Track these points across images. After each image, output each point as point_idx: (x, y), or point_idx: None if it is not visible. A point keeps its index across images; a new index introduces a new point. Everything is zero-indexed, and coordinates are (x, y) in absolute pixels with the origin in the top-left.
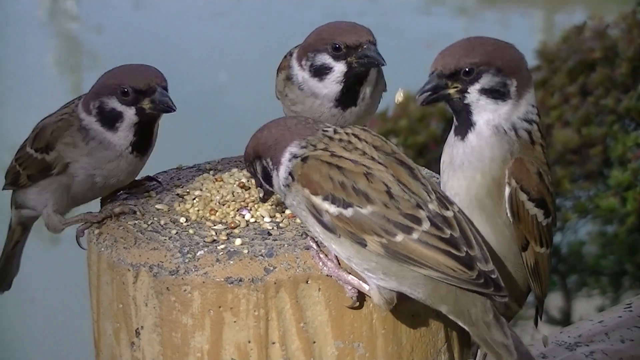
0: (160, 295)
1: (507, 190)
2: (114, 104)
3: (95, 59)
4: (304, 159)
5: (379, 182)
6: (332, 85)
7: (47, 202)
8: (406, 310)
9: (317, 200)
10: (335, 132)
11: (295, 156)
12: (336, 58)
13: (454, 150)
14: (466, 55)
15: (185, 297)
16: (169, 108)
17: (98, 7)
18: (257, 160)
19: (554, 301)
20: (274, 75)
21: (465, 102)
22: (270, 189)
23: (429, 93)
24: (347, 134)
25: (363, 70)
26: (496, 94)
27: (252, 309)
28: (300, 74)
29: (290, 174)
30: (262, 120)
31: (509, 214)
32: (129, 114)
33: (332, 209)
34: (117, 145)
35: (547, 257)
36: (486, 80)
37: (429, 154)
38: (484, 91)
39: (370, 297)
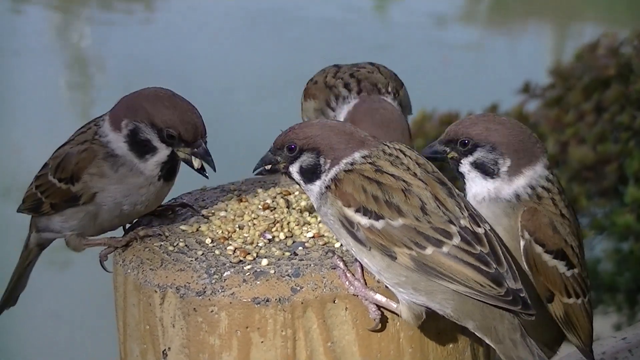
0: (188, 316)
1: (522, 243)
2: (151, 136)
3: (106, 77)
4: (348, 171)
5: (415, 198)
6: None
7: (73, 228)
8: (433, 328)
9: (350, 212)
10: (387, 146)
11: (352, 163)
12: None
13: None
14: (468, 127)
15: (213, 318)
16: (204, 171)
17: (109, 26)
18: (311, 152)
19: None
20: (290, 93)
21: (459, 170)
22: (300, 182)
23: (430, 152)
24: (395, 149)
25: None
26: (486, 169)
27: (280, 329)
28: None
29: (332, 179)
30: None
31: (525, 266)
32: (163, 153)
33: (364, 220)
34: (146, 172)
35: (581, 306)
36: (478, 155)
37: (445, 173)
38: (475, 165)
39: (399, 313)
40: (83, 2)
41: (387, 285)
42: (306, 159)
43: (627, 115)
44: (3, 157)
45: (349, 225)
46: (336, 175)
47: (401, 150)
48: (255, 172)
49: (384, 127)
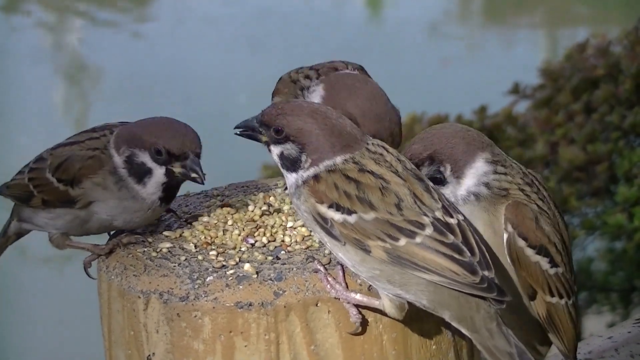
0: (171, 321)
1: (505, 236)
2: (145, 158)
3: (101, 84)
4: (329, 171)
5: (391, 195)
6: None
7: (57, 227)
8: (417, 329)
9: (323, 208)
10: (372, 144)
11: (333, 166)
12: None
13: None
14: (411, 146)
15: (196, 323)
16: (196, 179)
17: (104, 32)
18: (298, 137)
19: None
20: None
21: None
22: (277, 163)
23: None
24: (379, 145)
25: None
26: (436, 180)
27: (263, 333)
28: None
29: (310, 177)
30: None
31: (508, 260)
32: (159, 173)
33: (337, 216)
34: (147, 199)
35: (565, 308)
36: (425, 171)
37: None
38: (430, 179)
39: (382, 308)
40: (77, 9)
41: (364, 279)
42: (289, 149)
43: (616, 115)
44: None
45: (323, 222)
46: (315, 174)
47: (384, 147)
48: (237, 132)
49: (376, 122)
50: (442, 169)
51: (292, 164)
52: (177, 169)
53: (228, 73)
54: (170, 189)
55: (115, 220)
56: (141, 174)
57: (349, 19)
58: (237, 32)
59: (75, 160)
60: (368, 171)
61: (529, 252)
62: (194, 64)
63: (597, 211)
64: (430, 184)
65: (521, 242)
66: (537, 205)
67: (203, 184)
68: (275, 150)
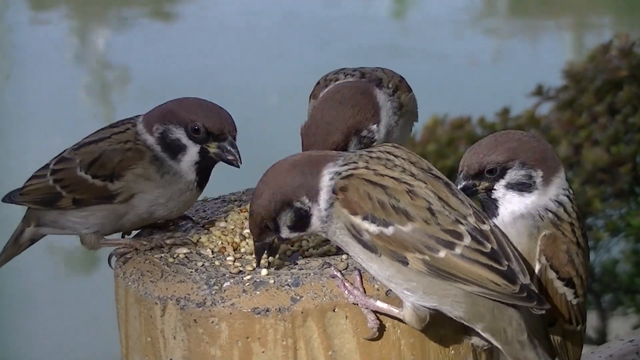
0: (188, 327)
1: (537, 267)
2: (180, 135)
3: (128, 87)
4: (347, 177)
5: (421, 199)
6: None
7: (91, 226)
8: (435, 334)
9: (357, 220)
10: (370, 151)
11: (337, 173)
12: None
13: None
14: (488, 154)
15: (213, 329)
16: (232, 161)
17: (131, 34)
18: (285, 209)
19: (590, 321)
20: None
21: (493, 197)
22: (300, 234)
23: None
24: (381, 152)
25: None
26: (522, 186)
27: (280, 339)
28: None
29: (333, 191)
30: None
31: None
32: (193, 151)
33: (372, 227)
34: (184, 177)
35: (578, 334)
36: (511, 176)
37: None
38: (510, 186)
39: (401, 318)
40: (102, 12)
41: (396, 292)
42: (285, 217)
43: None
44: (23, 166)
45: (357, 233)
46: (335, 185)
47: (388, 152)
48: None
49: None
50: (534, 173)
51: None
52: (212, 149)
53: (254, 76)
54: (204, 171)
55: (157, 211)
56: (175, 150)
57: (374, 20)
58: (263, 35)
59: (114, 154)
60: (387, 176)
61: (558, 284)
62: (220, 65)
63: (621, 213)
64: (454, 186)
65: (552, 274)
66: (577, 242)
67: (239, 167)
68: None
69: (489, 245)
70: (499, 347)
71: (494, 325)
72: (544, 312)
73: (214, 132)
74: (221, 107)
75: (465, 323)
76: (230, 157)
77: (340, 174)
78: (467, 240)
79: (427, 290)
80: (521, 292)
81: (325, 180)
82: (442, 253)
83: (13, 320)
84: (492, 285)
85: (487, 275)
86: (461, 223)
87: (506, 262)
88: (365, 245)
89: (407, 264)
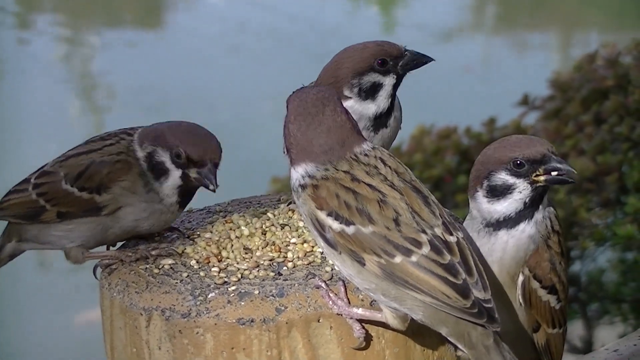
0: (173, 338)
1: (521, 278)
2: (165, 158)
3: (116, 99)
4: (324, 177)
5: (390, 210)
6: (382, 101)
7: (75, 239)
8: (419, 344)
9: (322, 215)
10: (366, 155)
11: (309, 175)
12: (383, 73)
13: (483, 242)
14: (530, 146)
15: (198, 340)
16: (208, 186)
17: (118, 48)
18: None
19: (576, 330)
20: None
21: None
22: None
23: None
24: (375, 157)
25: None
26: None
27: (265, 349)
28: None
29: (301, 185)
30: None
31: (520, 300)
32: (175, 175)
33: (335, 225)
34: (165, 199)
35: (560, 336)
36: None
37: (444, 187)
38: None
39: (385, 320)
40: (91, 24)
41: (363, 291)
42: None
43: (626, 126)
44: (13, 179)
45: (321, 229)
46: (304, 182)
47: (381, 159)
48: None
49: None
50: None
51: None
52: (192, 174)
53: (243, 85)
54: (185, 192)
55: (141, 225)
56: (159, 172)
57: (363, 26)
58: (252, 44)
59: (101, 166)
60: (363, 182)
61: (542, 292)
62: (208, 74)
63: (607, 222)
64: (433, 197)
65: (535, 284)
66: (561, 252)
67: (214, 191)
68: None
69: (448, 257)
70: (465, 351)
71: (458, 330)
72: (497, 328)
73: (193, 158)
74: (211, 134)
75: (429, 326)
76: (205, 182)
77: (312, 177)
78: (426, 249)
79: (385, 292)
80: (472, 308)
81: (302, 169)
82: (398, 259)
83: (12, 320)
84: (444, 297)
85: (439, 287)
86: (425, 233)
87: (463, 276)
88: (328, 241)
89: (364, 264)
